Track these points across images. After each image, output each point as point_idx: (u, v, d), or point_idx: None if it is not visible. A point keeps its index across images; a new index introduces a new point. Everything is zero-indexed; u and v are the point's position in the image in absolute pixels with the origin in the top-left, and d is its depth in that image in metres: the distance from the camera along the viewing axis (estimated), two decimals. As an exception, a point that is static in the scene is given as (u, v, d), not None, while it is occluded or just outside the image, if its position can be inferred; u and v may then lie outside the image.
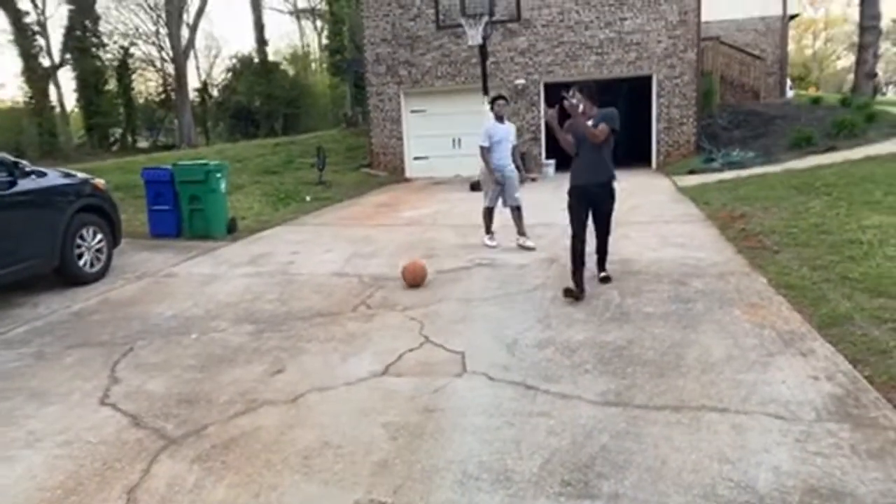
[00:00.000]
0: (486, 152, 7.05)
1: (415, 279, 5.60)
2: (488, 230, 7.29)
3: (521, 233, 7.10)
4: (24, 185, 5.56)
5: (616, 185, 5.35)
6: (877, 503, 2.31)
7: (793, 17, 20.51)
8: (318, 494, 2.59)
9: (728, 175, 11.21)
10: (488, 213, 7.26)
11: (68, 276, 6.01)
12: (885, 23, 27.09)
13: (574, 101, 5.06)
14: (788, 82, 21.79)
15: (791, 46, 24.35)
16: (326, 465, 2.81)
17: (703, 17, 14.22)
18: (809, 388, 3.24)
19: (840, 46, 50.60)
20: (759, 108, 16.29)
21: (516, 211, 7.12)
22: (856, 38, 29.60)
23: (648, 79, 14.11)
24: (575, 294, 4.92)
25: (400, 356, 4.01)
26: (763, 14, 19.01)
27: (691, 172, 12.20)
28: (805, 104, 16.79)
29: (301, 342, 4.38)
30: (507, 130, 7.16)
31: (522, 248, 6.93)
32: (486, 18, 11.88)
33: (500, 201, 7.18)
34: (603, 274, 5.45)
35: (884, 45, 30.82)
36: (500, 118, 7.13)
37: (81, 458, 2.96)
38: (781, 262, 5.46)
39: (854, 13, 41.47)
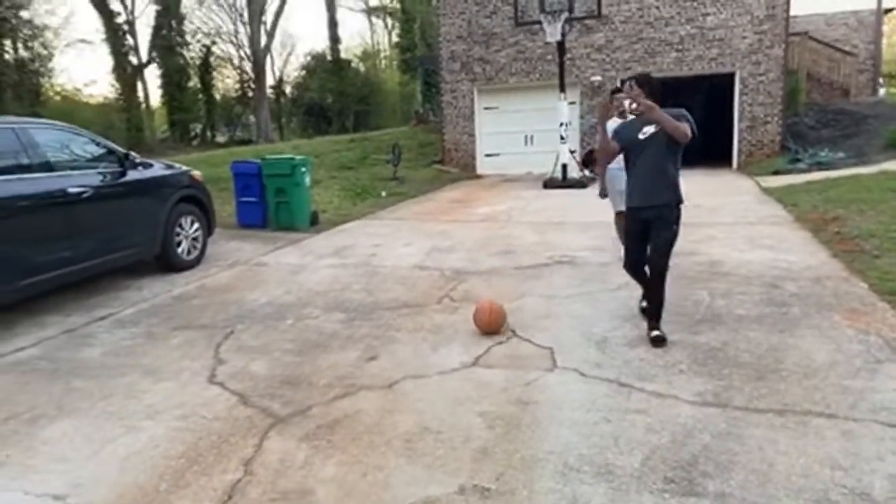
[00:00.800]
0: None
1: (490, 324, 4.30)
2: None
3: None
4: (133, 175, 5.93)
5: (683, 208, 4.19)
6: None
7: (888, 10, 19.36)
8: (423, 477, 2.68)
9: (816, 176, 10.73)
10: None
11: (168, 263, 6.37)
12: None
13: (624, 97, 4.10)
14: (881, 80, 20.60)
15: (884, 42, 23.02)
16: (428, 449, 2.90)
17: (792, 11, 13.64)
18: (923, 398, 3.11)
19: (938, 41, 47.37)
20: (850, 107, 15.48)
21: None
22: (957, 33, 27.70)
23: (731, 76, 13.66)
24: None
25: (488, 349, 4.07)
26: (855, 8, 18.03)
27: (776, 173, 11.75)
28: (902, 102, 15.86)
29: (391, 331, 4.51)
30: None
31: None
32: (565, 14, 11.80)
33: None
34: (655, 333, 3.99)
35: None
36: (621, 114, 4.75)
37: (198, 431, 3.16)
38: (883, 267, 5.22)
39: (955, 5, 38.76)
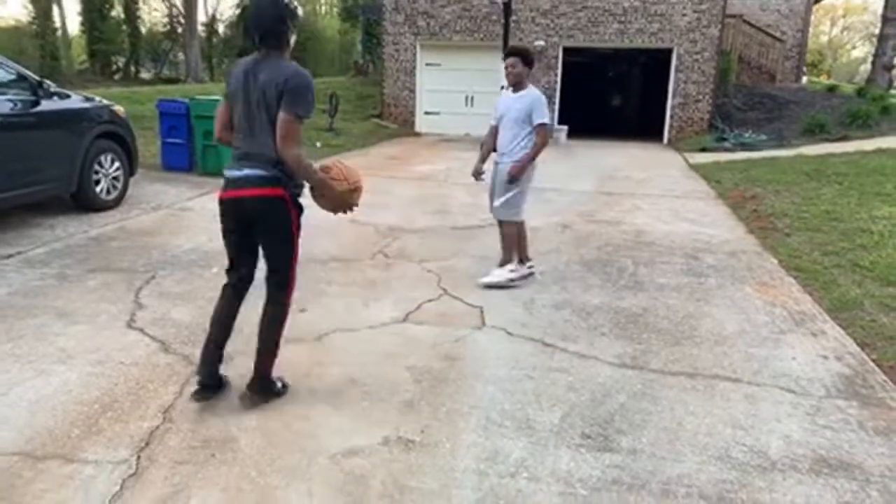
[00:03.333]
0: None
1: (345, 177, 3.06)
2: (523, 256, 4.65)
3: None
4: (47, 105, 5.51)
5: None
6: (883, 476, 2.44)
7: (817, 1, 20.17)
8: (348, 428, 2.69)
9: (739, 156, 11.23)
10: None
11: (85, 202, 6.02)
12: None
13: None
14: (804, 68, 21.59)
15: (810, 32, 24.04)
16: (354, 401, 2.91)
17: (730, -7, 14.01)
18: (819, 366, 3.36)
19: (857, 35, 49.97)
20: (774, 92, 16.19)
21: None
22: (874, 29, 29.25)
23: (668, 52, 13.96)
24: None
25: (419, 305, 4.09)
26: (788, -5, 18.72)
27: (703, 150, 12.21)
28: (820, 91, 16.71)
29: (321, 284, 4.46)
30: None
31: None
32: (512, -25, 11.66)
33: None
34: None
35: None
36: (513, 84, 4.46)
37: (115, 377, 3.05)
38: (793, 244, 5.55)
39: (874, 2, 40.88)
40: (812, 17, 24.01)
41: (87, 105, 6.05)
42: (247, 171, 2.70)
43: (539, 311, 4.08)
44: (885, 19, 21.36)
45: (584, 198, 7.87)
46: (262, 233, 2.84)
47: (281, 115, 2.57)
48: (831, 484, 2.38)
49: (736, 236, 6.02)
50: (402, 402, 2.91)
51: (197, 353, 3.30)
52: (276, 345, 2.89)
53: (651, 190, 8.46)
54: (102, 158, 6.11)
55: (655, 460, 2.51)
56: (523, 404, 2.92)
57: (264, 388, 2.87)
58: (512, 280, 4.51)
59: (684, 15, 13.62)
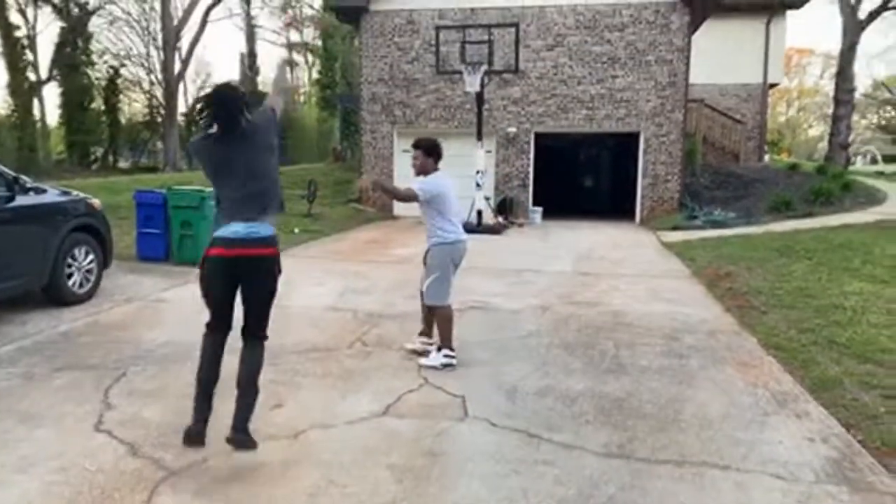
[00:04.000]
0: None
1: None
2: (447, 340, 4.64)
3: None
4: (22, 200, 5.49)
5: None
6: (882, 568, 2.36)
7: (773, 85, 21.36)
8: (327, 535, 2.55)
9: (711, 233, 11.50)
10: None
11: (56, 296, 5.90)
12: (857, 96, 28.37)
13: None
14: (765, 147, 22.58)
15: (769, 113, 25.32)
16: (333, 504, 2.78)
17: (690, 80, 14.77)
18: (806, 450, 3.31)
19: (812, 116, 52.70)
20: (739, 171, 16.83)
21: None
22: (827, 110, 30.92)
23: (636, 135, 14.53)
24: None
25: (399, 397, 3.99)
26: (745, 81, 19.79)
27: (675, 228, 12.50)
28: (783, 169, 17.42)
29: (297, 377, 4.35)
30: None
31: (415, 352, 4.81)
32: (484, 67, 12.21)
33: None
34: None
35: (854, 116, 32.15)
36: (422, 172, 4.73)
37: (78, 485, 2.89)
38: (769, 322, 5.60)
39: (826, 85, 43.41)
40: (769, 99, 25.35)
41: (62, 199, 6.04)
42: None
43: (522, 398, 4.01)
44: (837, 101, 22.68)
45: (561, 278, 7.93)
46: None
47: None
48: (831, 579, 2.30)
49: (713, 315, 6.07)
50: (383, 503, 2.79)
51: (167, 456, 3.19)
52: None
53: (627, 270, 8.57)
54: (76, 251, 6.05)
55: (649, 560, 2.41)
56: (510, 502, 2.81)
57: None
58: (445, 365, 4.51)
59: (648, 101, 14.28)
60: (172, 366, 4.52)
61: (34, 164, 28.74)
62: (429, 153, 4.74)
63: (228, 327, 3.37)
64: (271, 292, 3.36)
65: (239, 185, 3.16)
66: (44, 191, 5.83)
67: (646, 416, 3.74)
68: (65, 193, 6.21)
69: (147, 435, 3.42)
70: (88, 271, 6.25)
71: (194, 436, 3.06)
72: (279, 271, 3.32)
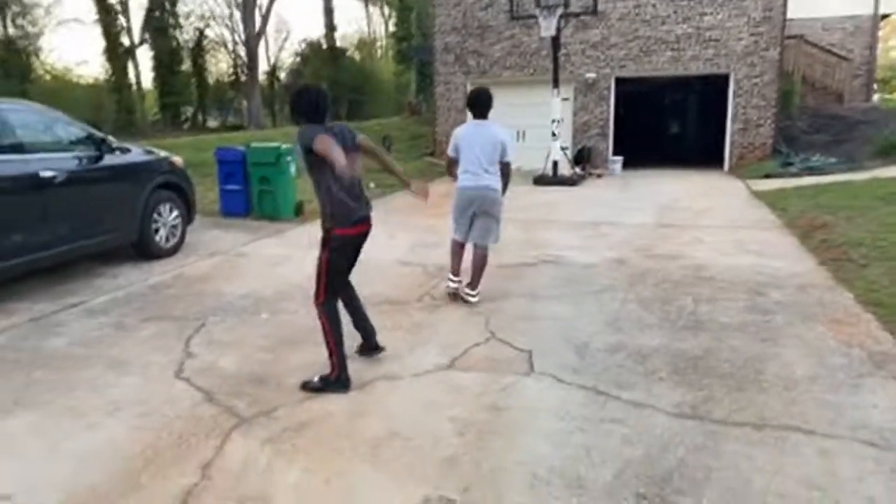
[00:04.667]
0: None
1: None
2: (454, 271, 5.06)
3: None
4: (110, 160, 5.77)
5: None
6: None
7: (885, 16, 19.31)
8: (387, 486, 2.58)
9: (807, 181, 10.68)
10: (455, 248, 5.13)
11: (145, 251, 6.22)
12: None
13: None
14: (875, 86, 20.60)
15: (879, 47, 23.03)
16: (395, 456, 2.80)
17: (788, 14, 13.55)
18: (904, 416, 3.04)
19: (932, 49, 47.56)
20: (843, 112, 15.45)
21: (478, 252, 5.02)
22: (952, 41, 27.72)
23: (726, 77, 13.57)
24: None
25: (466, 350, 3.97)
26: (852, 13, 17.97)
27: (767, 176, 11.69)
28: (894, 109, 15.86)
29: (367, 329, 4.40)
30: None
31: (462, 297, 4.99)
32: (560, 9, 11.66)
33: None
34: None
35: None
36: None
37: (159, 429, 3.05)
38: (869, 276, 5.16)
39: (951, 14, 38.87)
40: (880, 32, 23.00)
41: (146, 158, 6.31)
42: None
43: (592, 354, 3.89)
44: (962, 31, 20.21)
45: (640, 231, 7.61)
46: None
47: None
48: (925, 557, 2.11)
49: (805, 269, 5.65)
50: (444, 457, 2.78)
51: (241, 404, 3.32)
52: None
53: (711, 221, 8.12)
54: (161, 208, 6.33)
55: (719, 526, 2.29)
56: (573, 460, 2.74)
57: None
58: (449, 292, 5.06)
59: (740, 39, 13.25)
60: (249, 317, 4.68)
61: (132, 125, 30.42)
62: (467, 106, 4.98)
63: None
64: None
65: None
66: (128, 150, 6.09)
67: (724, 375, 3.54)
68: (148, 152, 6.48)
69: (223, 383, 3.56)
70: (174, 227, 6.54)
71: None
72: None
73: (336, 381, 3.48)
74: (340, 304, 3.70)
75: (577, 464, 2.71)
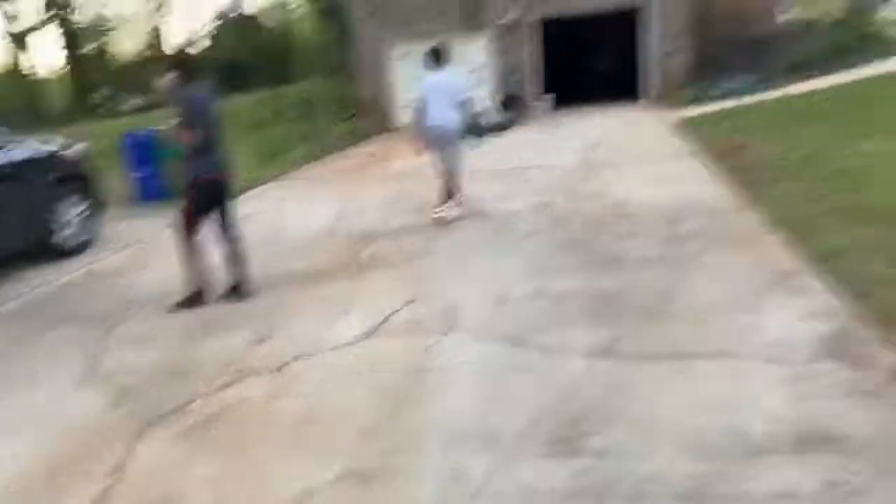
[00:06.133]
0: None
1: None
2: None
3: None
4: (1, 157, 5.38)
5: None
6: (871, 445, 2.26)
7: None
8: (304, 466, 2.54)
9: (726, 104, 10.93)
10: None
11: (51, 249, 5.90)
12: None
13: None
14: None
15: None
16: (312, 435, 2.76)
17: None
18: (804, 328, 3.16)
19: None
20: (759, 33, 15.71)
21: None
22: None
23: (638, 10, 13.57)
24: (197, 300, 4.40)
25: (387, 317, 3.92)
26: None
27: (689, 104, 11.89)
28: (802, 26, 16.23)
29: (288, 305, 4.31)
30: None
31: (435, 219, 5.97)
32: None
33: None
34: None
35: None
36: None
37: (65, 439, 2.92)
38: (775, 195, 5.31)
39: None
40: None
41: (41, 151, 5.91)
42: None
43: (512, 303, 3.91)
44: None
45: (566, 172, 7.65)
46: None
47: None
48: (817, 462, 2.21)
49: (717, 193, 5.79)
50: (361, 428, 2.76)
51: (153, 401, 3.20)
52: None
53: (633, 155, 8.23)
54: (64, 202, 5.98)
55: (627, 460, 2.34)
56: (488, 413, 2.76)
57: None
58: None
59: (652, -33, 13.22)
60: (164, 309, 4.51)
61: (38, 114, 28.68)
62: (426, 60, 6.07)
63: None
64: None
65: None
66: (18, 143, 5.69)
67: (637, 309, 3.62)
68: (45, 143, 6.06)
69: (135, 381, 3.44)
70: (81, 221, 6.21)
71: None
72: None
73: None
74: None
75: (492, 416, 2.73)
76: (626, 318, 3.52)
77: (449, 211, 5.99)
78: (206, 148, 4.19)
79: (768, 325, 3.24)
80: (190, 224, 4.31)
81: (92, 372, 3.61)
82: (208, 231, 4.44)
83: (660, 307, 3.61)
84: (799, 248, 4.14)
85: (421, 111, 5.95)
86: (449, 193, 6.05)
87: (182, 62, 4.36)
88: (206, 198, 4.33)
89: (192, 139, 4.11)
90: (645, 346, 3.19)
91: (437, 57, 5.97)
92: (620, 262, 4.40)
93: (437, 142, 5.95)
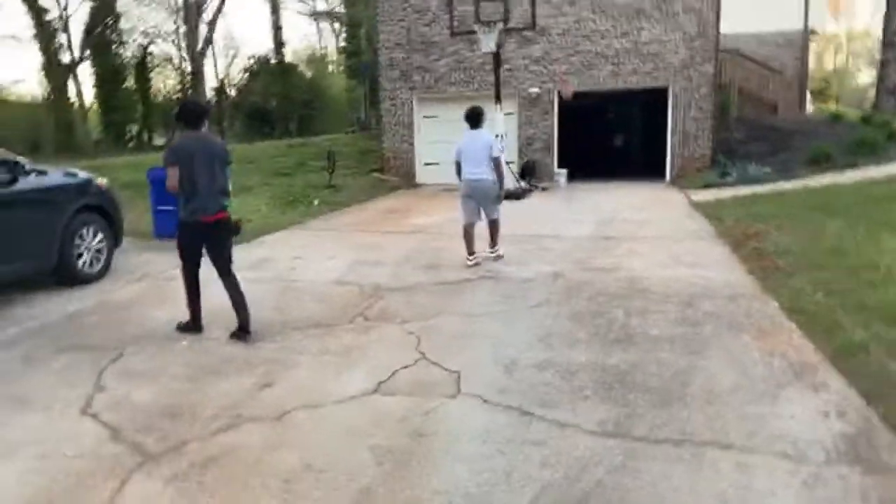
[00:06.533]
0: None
1: None
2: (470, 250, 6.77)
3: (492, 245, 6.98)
4: (24, 183, 5.50)
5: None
6: (890, 560, 2.14)
7: (814, 31, 20.18)
8: (295, 524, 2.46)
9: (743, 191, 10.98)
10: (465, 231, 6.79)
11: (66, 277, 5.94)
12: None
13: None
14: (808, 96, 21.47)
15: (812, 60, 24.04)
16: (307, 490, 2.68)
17: (723, 30, 13.99)
18: (820, 426, 3.06)
19: (861, 61, 49.94)
20: (778, 123, 16.03)
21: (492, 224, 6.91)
22: (877, 54, 29.16)
23: (665, 90, 13.90)
24: (189, 327, 4.70)
25: (393, 373, 3.87)
26: (783, 28, 18.71)
27: (706, 187, 11.97)
28: (825, 120, 16.51)
29: (294, 354, 4.26)
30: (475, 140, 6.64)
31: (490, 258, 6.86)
32: (500, 26, 11.76)
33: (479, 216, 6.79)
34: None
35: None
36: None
37: (55, 472, 2.85)
38: (795, 285, 5.27)
39: (876, 28, 40.95)
40: (812, 45, 24.02)
41: (65, 180, 6.04)
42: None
43: (520, 372, 3.84)
44: (885, 44, 21.31)
45: (580, 243, 7.66)
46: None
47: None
48: (831, 572, 2.10)
49: (735, 278, 5.75)
50: (359, 488, 2.68)
51: (149, 440, 3.15)
52: None
53: (650, 232, 8.24)
54: (84, 231, 6.06)
55: (632, 550, 2.24)
56: (491, 486, 2.67)
57: None
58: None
59: (677, 53, 13.60)
60: (170, 344, 4.48)
61: (73, 144, 29.44)
62: (465, 119, 6.79)
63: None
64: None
65: None
66: (44, 172, 5.82)
67: (649, 389, 3.53)
68: (69, 174, 6.20)
69: (133, 418, 3.38)
70: (98, 251, 6.28)
71: None
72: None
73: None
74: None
75: (495, 489, 2.64)
76: (636, 398, 3.43)
77: (498, 251, 6.92)
78: (191, 192, 4.40)
79: (784, 419, 3.15)
80: (182, 262, 4.62)
81: (92, 403, 3.56)
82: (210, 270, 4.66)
83: (672, 390, 3.52)
84: (818, 341, 4.06)
85: (458, 166, 6.70)
86: (492, 239, 6.94)
87: (184, 108, 4.74)
88: (189, 241, 4.56)
89: (169, 184, 4.41)
90: (655, 429, 3.10)
91: (475, 117, 6.67)
92: (633, 339, 4.34)
93: (474, 194, 6.64)
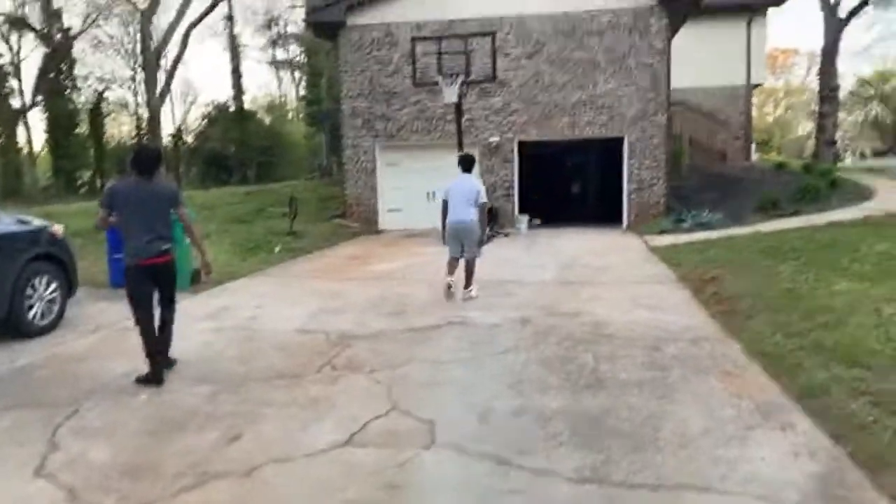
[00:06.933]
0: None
1: None
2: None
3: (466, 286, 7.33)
4: (-27, 231, 5.29)
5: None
6: None
7: (756, 86, 21.34)
8: (268, 587, 2.34)
9: (698, 236, 11.34)
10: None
11: (16, 328, 5.68)
12: (842, 93, 28.46)
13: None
14: (753, 146, 22.54)
15: (755, 113, 25.32)
16: (279, 550, 2.57)
17: (673, 84, 14.67)
18: (791, 466, 3.12)
19: (800, 114, 52.85)
20: (727, 171, 16.75)
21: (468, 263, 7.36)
22: (814, 107, 30.94)
23: (620, 140, 14.39)
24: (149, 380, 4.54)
25: (364, 425, 3.78)
26: (729, 82, 19.73)
27: (662, 232, 12.33)
28: (770, 168, 17.34)
29: (259, 406, 4.13)
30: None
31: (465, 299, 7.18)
32: (461, 78, 12.08)
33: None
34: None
35: (840, 114, 32.26)
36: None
37: (5, 540, 2.67)
38: (754, 327, 5.42)
39: (812, 83, 43.57)
40: (755, 99, 25.36)
41: (16, 228, 5.84)
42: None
43: (495, 420, 3.81)
44: (822, 98, 22.69)
45: (543, 289, 7.74)
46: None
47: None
48: None
49: (697, 322, 5.88)
50: (333, 547, 2.58)
51: (108, 501, 2.98)
52: None
53: (611, 277, 8.39)
54: (36, 281, 5.83)
55: None
56: (470, 539, 2.60)
57: None
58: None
59: (631, 105, 14.15)
60: (127, 398, 4.30)
61: (19, 190, 28.59)
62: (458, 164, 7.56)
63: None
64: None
65: None
66: (-6, 219, 5.62)
67: (622, 434, 3.54)
68: (21, 222, 6.01)
69: (90, 478, 3.20)
70: (50, 301, 6.04)
71: None
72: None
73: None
74: None
75: (475, 543, 2.58)
76: (610, 443, 3.43)
77: (470, 293, 7.22)
78: (126, 235, 4.62)
79: (755, 461, 3.19)
80: (133, 310, 4.66)
81: (46, 464, 3.36)
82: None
83: (644, 434, 3.54)
84: (782, 382, 4.16)
85: (444, 205, 7.26)
86: (466, 280, 7.26)
87: (139, 155, 4.78)
88: (135, 285, 4.64)
89: (95, 222, 4.83)
90: (630, 474, 3.10)
91: (466, 162, 7.43)
92: (603, 384, 4.36)
93: (459, 234, 7.18)
